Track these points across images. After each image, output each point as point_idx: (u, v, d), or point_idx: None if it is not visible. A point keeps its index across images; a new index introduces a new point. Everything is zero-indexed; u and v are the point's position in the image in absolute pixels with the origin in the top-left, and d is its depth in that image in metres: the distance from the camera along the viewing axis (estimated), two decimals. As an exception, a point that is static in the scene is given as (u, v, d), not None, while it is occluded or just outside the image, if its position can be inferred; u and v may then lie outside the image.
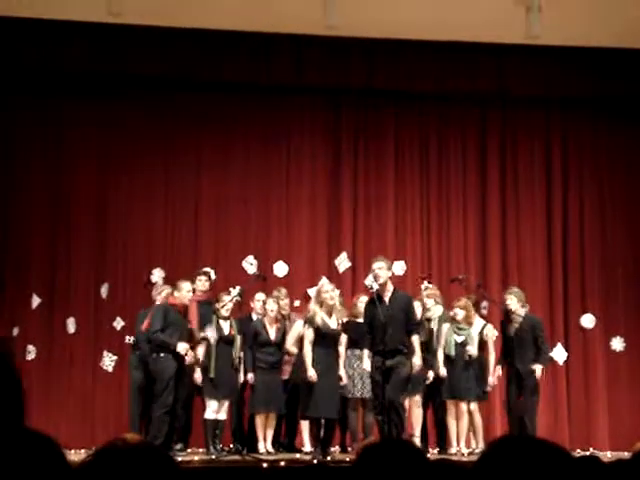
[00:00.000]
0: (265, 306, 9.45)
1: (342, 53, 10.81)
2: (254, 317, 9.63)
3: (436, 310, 9.64)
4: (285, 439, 9.71)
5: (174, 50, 10.53)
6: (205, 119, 11.05)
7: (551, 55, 10.92)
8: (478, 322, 9.70)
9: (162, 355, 8.79)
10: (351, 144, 11.35)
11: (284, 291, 9.88)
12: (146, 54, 10.52)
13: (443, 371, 9.37)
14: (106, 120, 10.83)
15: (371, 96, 11.29)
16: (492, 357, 9.56)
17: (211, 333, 9.09)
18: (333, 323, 8.88)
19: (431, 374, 9.34)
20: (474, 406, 9.50)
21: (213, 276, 10.52)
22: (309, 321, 8.86)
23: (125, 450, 1.69)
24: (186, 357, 8.95)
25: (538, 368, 9.14)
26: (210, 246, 11.01)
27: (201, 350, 9.17)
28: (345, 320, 9.05)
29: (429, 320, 9.54)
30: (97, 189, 10.84)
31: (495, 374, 9.48)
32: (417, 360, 8.46)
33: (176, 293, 9.08)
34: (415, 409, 9.33)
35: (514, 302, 9.34)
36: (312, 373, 8.65)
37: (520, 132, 11.56)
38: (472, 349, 9.39)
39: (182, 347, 8.87)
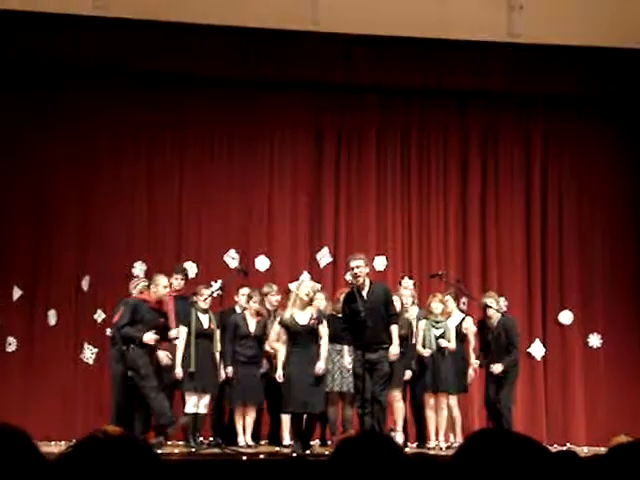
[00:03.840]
0: (250, 301, 9.44)
1: (325, 49, 10.81)
2: (237, 310, 9.63)
3: (413, 310, 9.71)
4: (269, 432, 9.71)
5: (158, 45, 10.50)
6: (188, 114, 11.03)
7: (532, 53, 10.97)
8: (457, 315, 9.77)
9: (132, 347, 8.66)
10: (333, 140, 11.36)
11: (275, 287, 9.89)
12: (129, 49, 10.47)
13: (426, 351, 9.40)
14: (90, 114, 10.78)
15: (353, 92, 11.30)
16: (472, 348, 9.65)
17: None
18: (303, 319, 8.75)
19: (408, 372, 9.38)
20: (453, 400, 9.57)
21: (195, 270, 10.53)
22: (280, 320, 8.88)
23: (105, 442, 1.71)
24: (163, 357, 8.91)
25: (496, 366, 9.20)
26: (192, 240, 11.01)
27: (180, 344, 9.15)
28: (327, 315, 9.07)
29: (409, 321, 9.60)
30: (79, 182, 10.80)
31: (472, 367, 9.57)
32: (393, 349, 8.48)
33: (152, 288, 8.93)
34: (395, 403, 9.36)
35: (494, 305, 9.47)
36: (280, 374, 8.68)
37: (501, 130, 11.62)
38: (446, 342, 9.45)
39: (148, 337, 8.63)
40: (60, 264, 10.64)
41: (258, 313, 9.47)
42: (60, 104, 10.77)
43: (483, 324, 9.61)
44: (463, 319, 9.74)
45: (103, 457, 1.67)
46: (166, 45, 10.52)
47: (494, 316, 9.43)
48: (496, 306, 9.53)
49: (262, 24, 10.50)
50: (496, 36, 10.59)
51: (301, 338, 8.71)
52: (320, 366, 8.71)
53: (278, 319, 9.09)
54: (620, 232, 11.54)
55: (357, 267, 8.47)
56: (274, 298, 9.74)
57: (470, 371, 9.60)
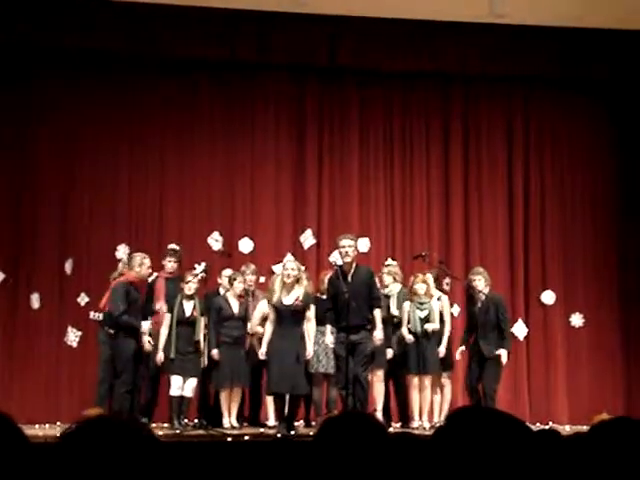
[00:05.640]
0: (234, 283, 9.42)
1: (307, 30, 10.78)
2: (221, 292, 9.61)
3: (394, 287, 9.71)
4: (250, 413, 9.73)
5: (138, 27, 10.44)
6: (170, 96, 10.99)
7: (513, 34, 10.98)
8: (435, 294, 9.76)
9: (122, 336, 8.72)
10: (316, 122, 11.34)
11: (252, 267, 9.88)
12: (110, 31, 10.40)
13: (409, 337, 9.44)
14: (72, 98, 10.73)
15: (336, 73, 11.28)
16: (447, 328, 9.62)
17: (146, 326, 9.02)
18: (289, 300, 8.78)
19: (390, 351, 9.40)
20: (445, 379, 9.63)
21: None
22: (268, 300, 8.89)
23: (109, 423, 1.70)
24: (145, 342, 8.97)
25: (503, 353, 9.20)
26: (175, 222, 10.98)
27: (164, 330, 9.14)
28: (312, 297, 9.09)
29: (387, 297, 9.60)
30: (62, 165, 10.75)
31: (458, 351, 9.60)
32: (378, 334, 8.53)
33: (137, 268, 8.93)
34: (377, 384, 9.39)
35: (482, 282, 9.42)
36: (263, 351, 8.72)
37: (482, 111, 11.62)
38: (432, 325, 9.48)
39: (146, 326, 8.89)
40: (43, 247, 10.59)
41: (241, 295, 9.47)
42: (42, 88, 10.70)
43: (471, 300, 9.58)
44: (439, 298, 9.73)
45: (106, 437, 1.66)
46: (147, 27, 10.47)
47: (483, 290, 9.40)
48: (484, 282, 9.48)
49: (244, 5, 10.46)
50: (478, 17, 10.56)
51: (286, 319, 8.73)
52: (309, 350, 8.78)
53: (264, 301, 9.10)
54: (602, 213, 11.60)
55: (348, 246, 8.52)
56: (249, 277, 9.71)
57: (457, 356, 9.63)
